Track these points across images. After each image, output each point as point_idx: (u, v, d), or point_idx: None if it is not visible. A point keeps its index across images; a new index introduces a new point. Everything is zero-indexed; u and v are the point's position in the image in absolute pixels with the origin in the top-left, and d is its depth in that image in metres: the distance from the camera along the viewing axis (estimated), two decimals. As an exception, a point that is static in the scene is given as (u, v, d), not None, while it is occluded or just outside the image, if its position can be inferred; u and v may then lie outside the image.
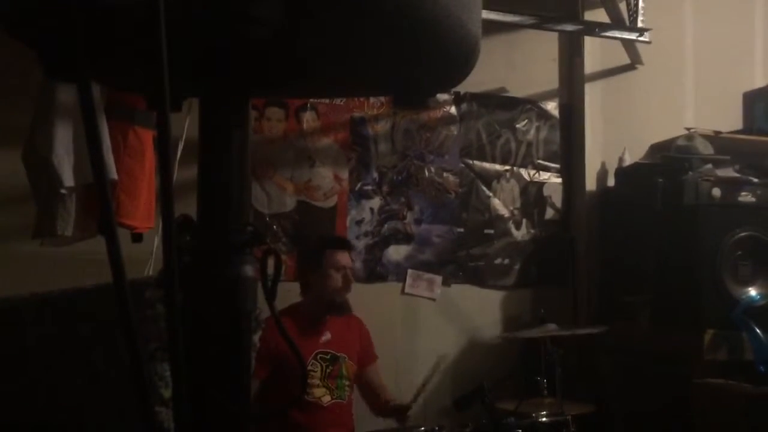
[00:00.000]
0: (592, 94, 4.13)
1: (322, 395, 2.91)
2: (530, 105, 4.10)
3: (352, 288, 3.02)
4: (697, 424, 3.12)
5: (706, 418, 3.08)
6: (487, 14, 3.37)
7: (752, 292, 3.29)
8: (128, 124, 2.50)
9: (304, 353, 2.90)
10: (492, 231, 3.98)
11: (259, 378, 2.71)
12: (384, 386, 3.15)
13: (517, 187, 4.05)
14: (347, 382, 2.98)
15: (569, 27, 3.92)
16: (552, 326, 3.24)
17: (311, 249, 3.09)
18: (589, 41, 4.09)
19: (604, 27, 3.92)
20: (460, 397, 2.90)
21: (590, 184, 4.09)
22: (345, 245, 3.11)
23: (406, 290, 3.83)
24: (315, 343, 2.94)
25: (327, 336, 2.98)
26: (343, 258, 2.99)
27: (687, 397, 3.17)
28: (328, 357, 2.94)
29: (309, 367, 2.87)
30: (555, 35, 4.12)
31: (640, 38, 3.94)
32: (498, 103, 4.04)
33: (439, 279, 3.87)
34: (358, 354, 3.07)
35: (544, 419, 2.80)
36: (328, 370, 2.93)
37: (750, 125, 4.27)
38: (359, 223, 3.78)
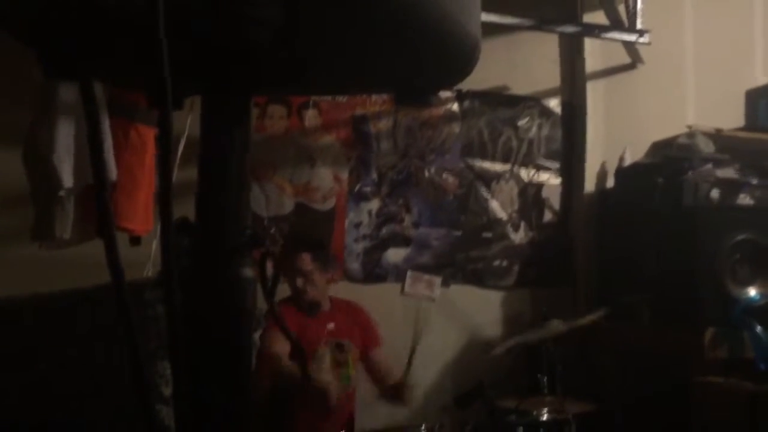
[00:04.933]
0: (594, 93, 4.13)
1: (329, 382, 2.90)
2: (532, 102, 4.09)
3: (320, 288, 2.96)
4: (697, 422, 3.12)
5: (707, 417, 3.07)
6: (486, 16, 3.37)
7: (752, 292, 3.28)
8: (129, 121, 2.49)
9: (314, 336, 2.90)
10: (490, 234, 3.97)
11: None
12: (390, 370, 3.11)
13: (515, 189, 4.04)
14: (352, 371, 3.00)
15: (569, 29, 3.91)
16: (556, 322, 3.21)
17: (284, 248, 3.15)
18: (589, 41, 4.08)
19: (603, 29, 3.91)
20: (461, 395, 2.90)
21: (590, 184, 4.08)
22: (307, 247, 2.98)
23: (406, 290, 3.83)
24: (323, 328, 2.96)
25: (332, 325, 3.00)
26: (303, 261, 2.90)
27: (687, 395, 3.16)
28: (335, 345, 2.97)
29: (320, 352, 2.88)
30: (556, 36, 4.11)
31: (640, 39, 3.94)
32: (500, 100, 4.03)
33: (438, 279, 3.87)
34: (361, 339, 3.08)
35: (545, 417, 2.80)
36: (337, 359, 2.95)
37: (752, 123, 4.25)
38: (357, 226, 3.77)
